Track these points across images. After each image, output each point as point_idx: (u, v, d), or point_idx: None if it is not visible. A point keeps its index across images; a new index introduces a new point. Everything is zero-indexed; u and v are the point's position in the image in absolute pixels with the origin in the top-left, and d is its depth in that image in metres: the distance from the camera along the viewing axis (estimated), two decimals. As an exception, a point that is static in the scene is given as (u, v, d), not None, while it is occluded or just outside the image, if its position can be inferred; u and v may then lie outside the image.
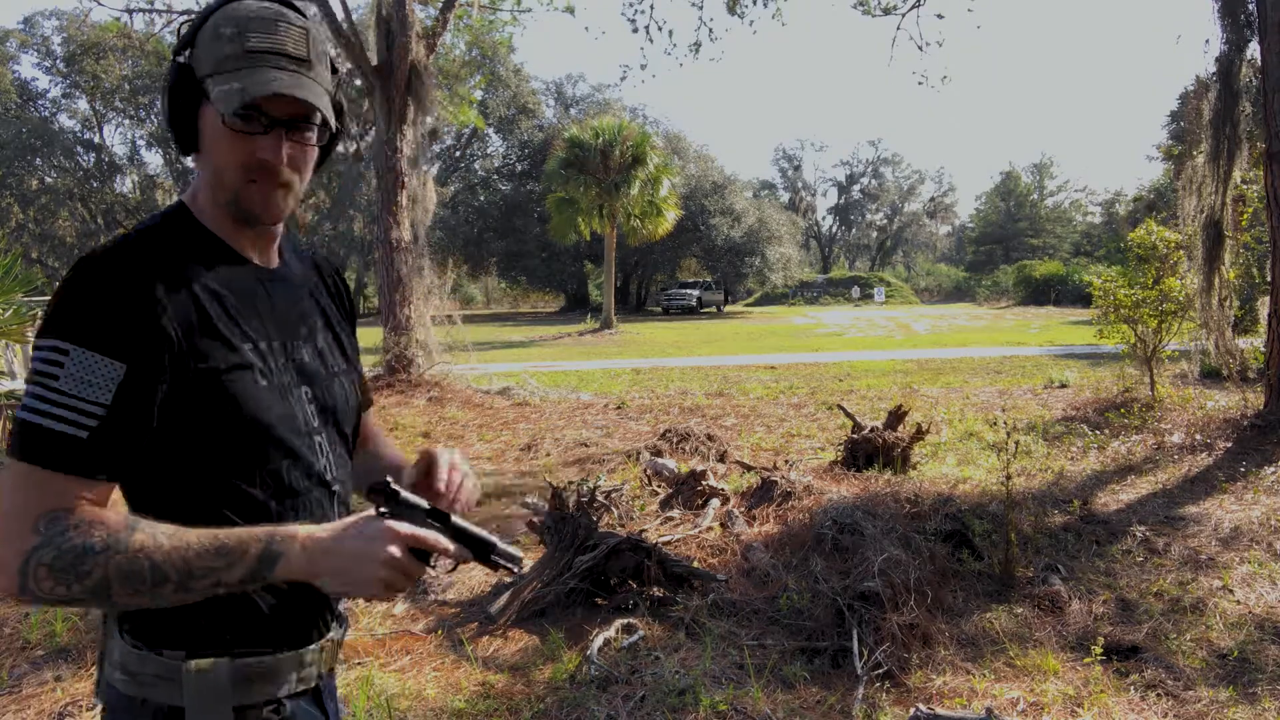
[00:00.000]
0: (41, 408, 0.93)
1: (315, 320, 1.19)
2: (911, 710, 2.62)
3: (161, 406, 0.98)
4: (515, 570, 1.07)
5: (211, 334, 1.03)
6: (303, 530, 0.98)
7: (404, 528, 0.97)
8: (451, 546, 1.02)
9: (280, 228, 1.16)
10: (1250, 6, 7.15)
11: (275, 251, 1.17)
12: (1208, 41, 7.41)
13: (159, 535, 0.94)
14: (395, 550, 0.96)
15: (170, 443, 1.00)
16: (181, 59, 1.07)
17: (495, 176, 40.53)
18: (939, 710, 2.60)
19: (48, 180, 36.94)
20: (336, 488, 1.15)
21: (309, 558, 0.97)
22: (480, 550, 1.05)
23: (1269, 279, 7.24)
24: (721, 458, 6.43)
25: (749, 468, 5.95)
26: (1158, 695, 2.86)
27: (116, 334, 0.95)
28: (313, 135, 1.10)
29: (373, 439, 1.37)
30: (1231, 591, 3.73)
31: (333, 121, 1.12)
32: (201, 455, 1.01)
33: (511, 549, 1.06)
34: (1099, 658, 3.05)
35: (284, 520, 1.05)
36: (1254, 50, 7.18)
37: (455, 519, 1.05)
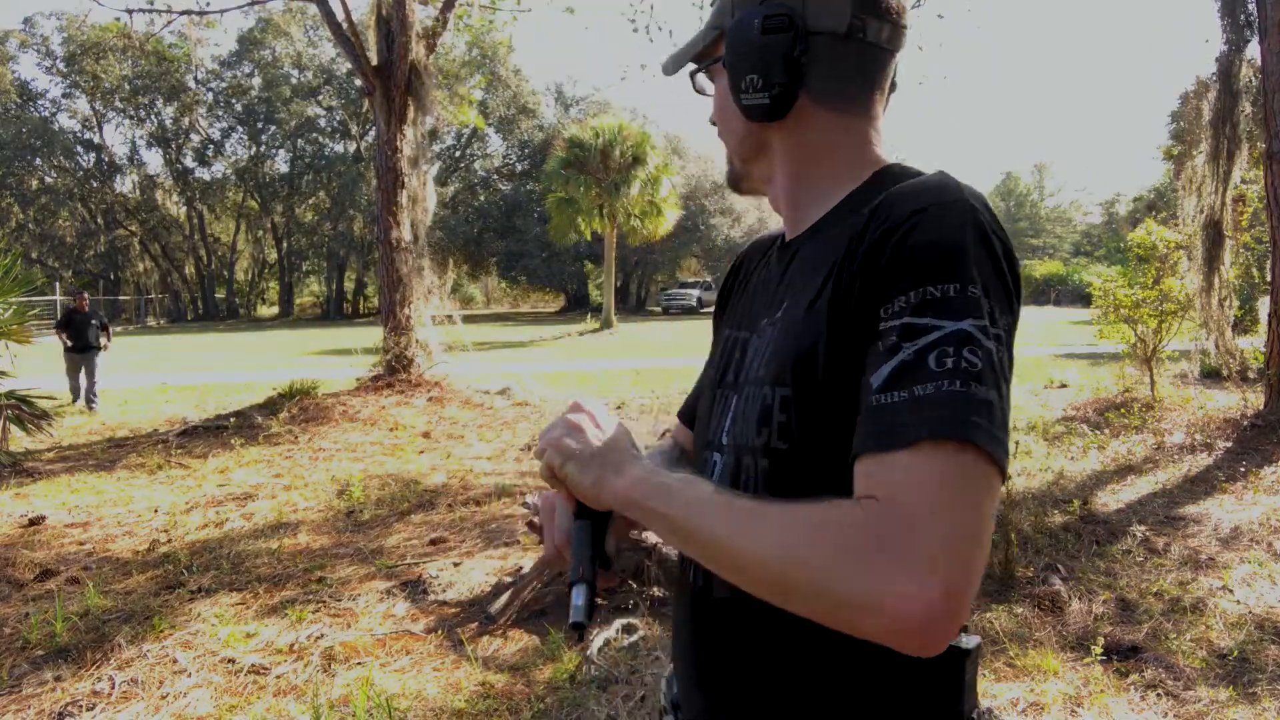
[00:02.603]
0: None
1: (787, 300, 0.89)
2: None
3: None
4: (571, 627, 0.81)
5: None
6: None
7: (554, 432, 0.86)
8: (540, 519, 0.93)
9: (776, 193, 0.96)
10: (1250, 6, 7.16)
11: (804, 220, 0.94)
12: (1207, 41, 7.43)
13: None
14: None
15: None
16: None
17: (495, 176, 40.56)
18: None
19: (48, 180, 36.95)
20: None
21: None
22: (579, 564, 0.83)
23: (1269, 279, 7.25)
24: (721, 458, 6.43)
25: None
26: (1158, 695, 2.86)
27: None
28: (705, 85, 0.98)
29: None
30: (1231, 591, 3.73)
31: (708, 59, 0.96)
32: None
33: (581, 607, 0.81)
34: (1099, 658, 3.05)
35: None
36: (1254, 50, 7.18)
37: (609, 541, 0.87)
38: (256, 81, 38.12)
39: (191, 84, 37.53)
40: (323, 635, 3.43)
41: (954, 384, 0.65)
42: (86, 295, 10.66)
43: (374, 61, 9.62)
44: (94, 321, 10.22)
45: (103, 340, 10.28)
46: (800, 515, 0.66)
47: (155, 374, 13.84)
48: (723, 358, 0.95)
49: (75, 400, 10.05)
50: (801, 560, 0.64)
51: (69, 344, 10.06)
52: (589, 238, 25.73)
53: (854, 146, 0.91)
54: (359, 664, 3.19)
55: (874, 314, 0.72)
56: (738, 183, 0.99)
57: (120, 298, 37.63)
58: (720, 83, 0.93)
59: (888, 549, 0.61)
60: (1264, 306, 8.13)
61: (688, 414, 1.13)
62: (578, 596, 0.80)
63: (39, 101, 36.86)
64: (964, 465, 0.63)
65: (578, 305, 39.02)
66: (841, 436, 0.73)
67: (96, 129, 38.42)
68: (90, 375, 10.05)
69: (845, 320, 0.75)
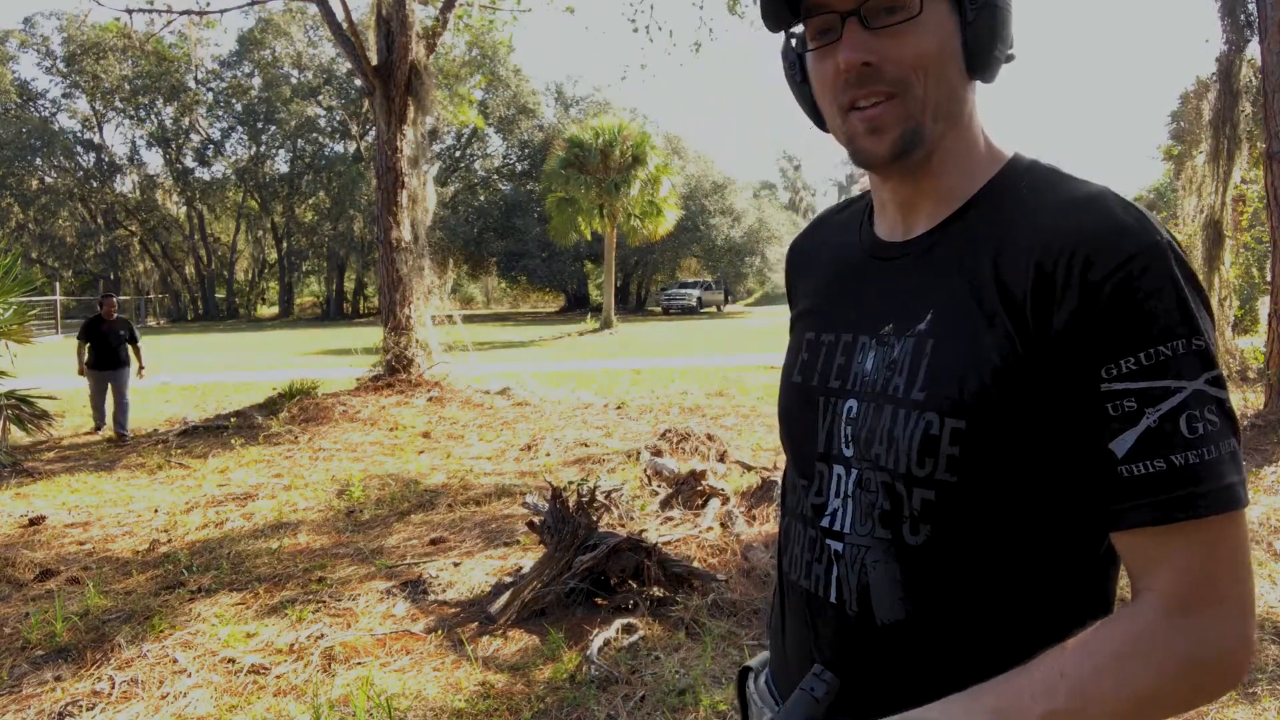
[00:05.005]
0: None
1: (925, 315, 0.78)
2: (911, 710, 2.62)
3: None
4: None
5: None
6: None
7: None
8: None
9: (937, 175, 0.80)
10: (1250, 6, 7.16)
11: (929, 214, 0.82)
12: (1207, 41, 7.44)
13: None
14: None
15: None
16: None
17: (495, 176, 40.55)
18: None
19: (48, 180, 36.97)
20: (836, 545, 0.82)
21: None
22: None
23: (1269, 279, 7.25)
24: (721, 458, 6.43)
25: (749, 468, 5.95)
26: (1158, 695, 2.86)
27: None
28: (900, 8, 0.73)
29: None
30: (1231, 591, 3.73)
31: None
32: None
33: None
34: (1099, 658, 3.05)
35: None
36: (1254, 50, 7.18)
37: None
38: (256, 81, 38.11)
39: (191, 84, 37.52)
40: (323, 635, 3.43)
41: (1209, 450, 0.67)
42: (116, 300, 8.81)
43: (374, 61, 9.62)
44: (122, 332, 8.40)
45: (133, 358, 8.50)
46: (1113, 650, 0.67)
47: (155, 374, 13.84)
48: (819, 362, 0.87)
49: (99, 427, 8.40)
50: (1161, 691, 0.66)
51: (90, 360, 8.25)
52: (589, 238, 25.73)
53: (983, 129, 0.82)
54: (359, 664, 3.19)
55: (1090, 370, 0.69)
56: (913, 149, 0.76)
57: (120, 298, 37.65)
58: (945, 15, 0.75)
59: (1209, 629, 0.66)
60: (1264, 306, 8.14)
61: None
62: None
63: (39, 101, 36.88)
64: (1238, 525, 0.69)
65: (578, 305, 39.02)
66: (1011, 474, 0.74)
67: (96, 129, 38.42)
68: (120, 397, 8.22)
69: (1045, 367, 0.71)
